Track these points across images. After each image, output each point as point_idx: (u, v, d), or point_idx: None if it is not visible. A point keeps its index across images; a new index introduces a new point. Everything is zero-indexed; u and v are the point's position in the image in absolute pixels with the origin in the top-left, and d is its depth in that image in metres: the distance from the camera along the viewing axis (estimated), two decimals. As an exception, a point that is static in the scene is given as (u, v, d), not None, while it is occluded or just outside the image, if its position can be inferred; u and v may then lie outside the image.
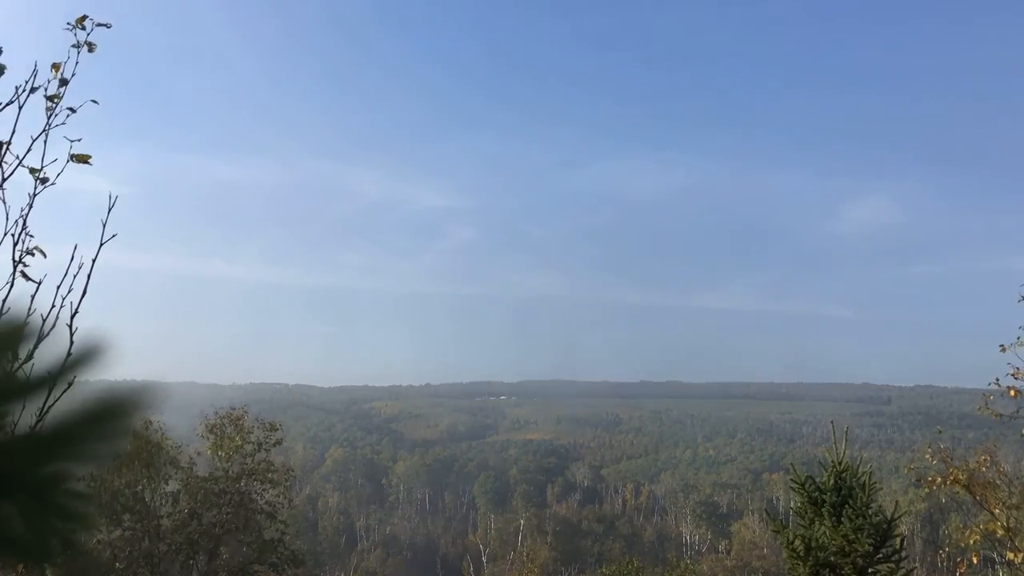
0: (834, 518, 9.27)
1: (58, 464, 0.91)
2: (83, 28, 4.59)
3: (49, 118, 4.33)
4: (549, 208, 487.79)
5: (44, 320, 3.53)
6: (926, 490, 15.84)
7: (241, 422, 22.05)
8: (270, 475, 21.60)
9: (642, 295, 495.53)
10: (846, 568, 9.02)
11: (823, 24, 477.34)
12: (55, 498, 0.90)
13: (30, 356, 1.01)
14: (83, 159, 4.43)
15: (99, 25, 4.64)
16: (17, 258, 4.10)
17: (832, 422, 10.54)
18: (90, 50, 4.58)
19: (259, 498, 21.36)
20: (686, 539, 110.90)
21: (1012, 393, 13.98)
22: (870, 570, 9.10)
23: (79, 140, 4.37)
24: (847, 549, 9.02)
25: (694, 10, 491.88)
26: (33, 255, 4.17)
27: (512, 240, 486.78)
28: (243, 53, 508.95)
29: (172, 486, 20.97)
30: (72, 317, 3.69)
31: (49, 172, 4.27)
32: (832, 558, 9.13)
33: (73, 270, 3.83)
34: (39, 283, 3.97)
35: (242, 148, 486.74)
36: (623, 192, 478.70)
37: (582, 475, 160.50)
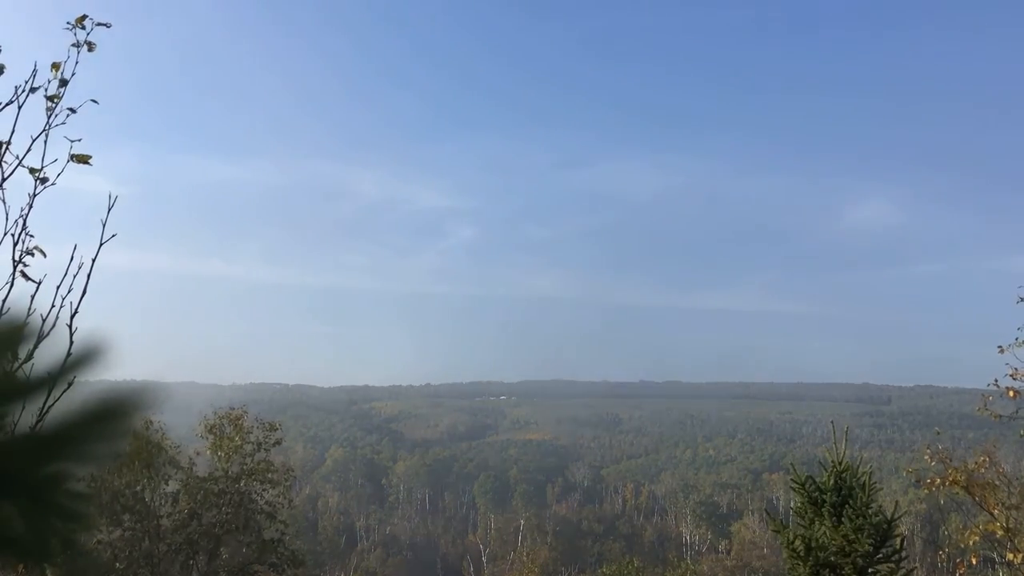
0: (834, 518, 9.27)
1: (58, 464, 0.91)
2: (83, 28, 4.59)
3: (49, 118, 4.33)
4: (549, 208, 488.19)
5: (44, 320, 3.53)
6: (926, 491, 15.83)
7: (241, 422, 22.04)
8: (270, 475, 21.59)
9: (642, 295, 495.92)
10: (846, 568, 9.02)
11: (823, 25, 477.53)
12: (55, 498, 0.90)
13: (30, 356, 1.01)
14: (83, 159, 4.44)
15: (99, 25, 4.64)
16: (17, 258, 4.10)
17: (832, 422, 10.54)
18: (90, 49, 4.58)
19: (259, 498, 21.34)
20: (686, 539, 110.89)
21: (1011, 394, 13.98)
22: (870, 570, 9.10)
23: (79, 140, 4.38)
24: (847, 549, 9.02)
25: (695, 12, 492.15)
26: (33, 255, 4.18)
27: (512, 240, 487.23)
28: (242, 53, 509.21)
29: (172, 486, 20.96)
30: (72, 317, 3.69)
31: (49, 172, 4.27)
32: (832, 558, 9.13)
33: (73, 270, 3.83)
34: (39, 283, 3.97)
35: (242, 148, 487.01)
36: (623, 192, 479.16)
37: (582, 475, 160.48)
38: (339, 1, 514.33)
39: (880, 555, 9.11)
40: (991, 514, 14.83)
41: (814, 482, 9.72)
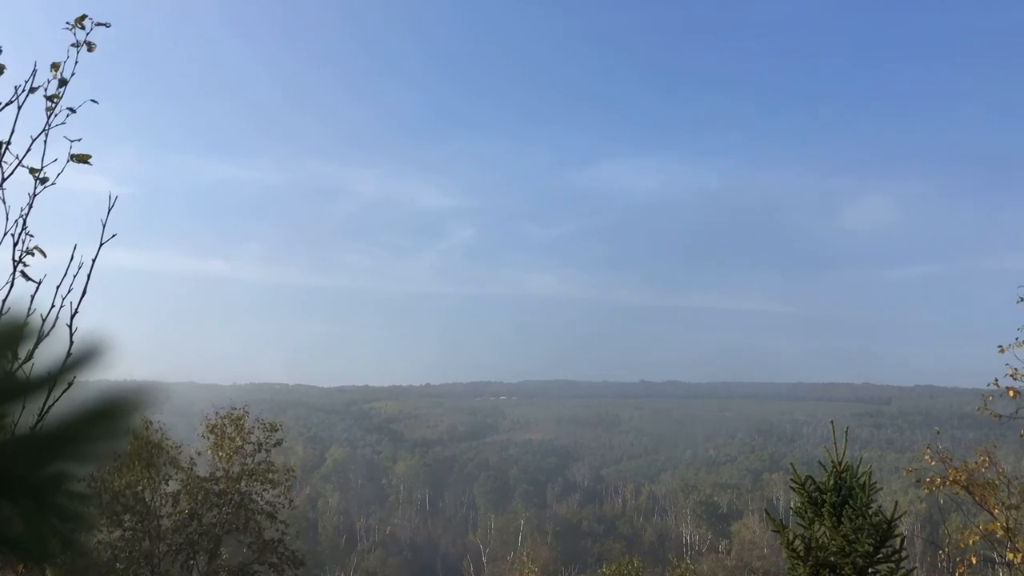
0: (834, 518, 9.27)
1: (58, 464, 0.91)
2: (82, 27, 4.59)
3: (49, 118, 4.33)
4: (550, 208, 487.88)
5: (44, 320, 3.53)
6: (926, 491, 15.84)
7: (241, 422, 22.04)
8: (270, 475, 21.58)
9: (643, 295, 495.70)
10: (846, 568, 9.02)
11: (824, 24, 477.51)
12: (55, 498, 0.90)
13: (30, 356, 1.01)
14: (83, 159, 4.44)
15: (99, 24, 4.64)
16: (17, 258, 4.10)
17: (832, 422, 10.54)
18: (89, 49, 4.58)
19: (259, 498, 21.34)
20: (686, 539, 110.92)
21: (1011, 394, 13.99)
22: (870, 570, 9.10)
23: (79, 140, 4.38)
24: (847, 549, 9.02)
25: (694, 10, 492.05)
26: (33, 255, 4.18)
27: (512, 240, 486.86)
28: (241, 52, 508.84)
29: (172, 486, 20.96)
30: (72, 317, 3.69)
31: (49, 172, 4.27)
32: (832, 558, 9.13)
33: (73, 270, 3.83)
34: (39, 283, 3.97)
35: (242, 148, 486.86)
36: (624, 192, 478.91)
37: (582, 475, 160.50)
38: (338, 1, 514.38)
39: (880, 555, 9.11)
40: (991, 514, 14.84)
41: (814, 482, 9.73)
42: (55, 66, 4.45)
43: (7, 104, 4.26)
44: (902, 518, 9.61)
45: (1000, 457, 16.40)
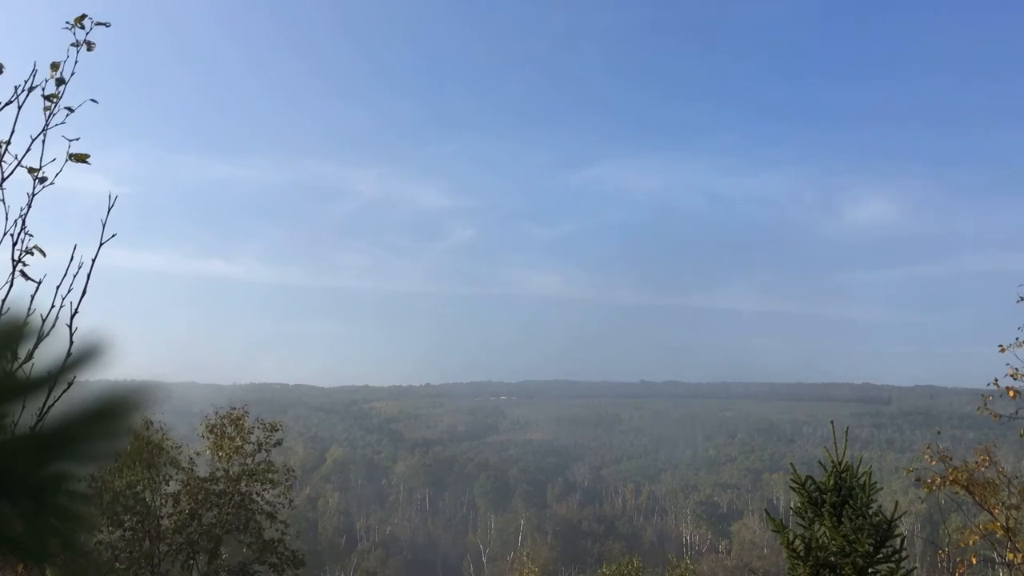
0: (834, 518, 9.27)
1: (58, 464, 0.91)
2: (82, 27, 4.59)
3: (48, 117, 4.33)
4: (550, 208, 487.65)
5: (44, 320, 3.53)
6: (926, 490, 15.84)
7: (242, 422, 22.03)
8: (270, 475, 21.58)
9: (643, 295, 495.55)
10: (846, 568, 9.02)
11: (824, 24, 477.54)
12: (55, 498, 0.90)
13: (30, 356, 1.01)
14: (82, 158, 4.44)
15: (98, 24, 4.64)
16: (16, 258, 4.10)
17: (832, 422, 10.54)
18: (89, 49, 4.58)
19: (259, 498, 21.34)
20: (686, 539, 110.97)
21: (1011, 394, 13.99)
22: (870, 570, 9.10)
23: (77, 139, 4.38)
24: (847, 549, 9.02)
25: (694, 11, 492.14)
26: (32, 254, 4.18)
27: (512, 240, 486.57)
28: (241, 52, 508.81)
29: (173, 487, 20.96)
30: (72, 317, 3.69)
31: (48, 172, 4.27)
32: (832, 558, 9.13)
33: (73, 270, 3.83)
34: (39, 283, 3.97)
35: (241, 147, 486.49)
36: (624, 192, 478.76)
37: (582, 475, 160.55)
38: (338, 1, 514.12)
39: (880, 555, 9.11)
40: (991, 514, 14.84)
41: (814, 482, 9.73)
42: (54, 66, 4.45)
43: (7, 104, 4.26)
44: (902, 518, 9.61)
45: (1000, 457, 16.40)
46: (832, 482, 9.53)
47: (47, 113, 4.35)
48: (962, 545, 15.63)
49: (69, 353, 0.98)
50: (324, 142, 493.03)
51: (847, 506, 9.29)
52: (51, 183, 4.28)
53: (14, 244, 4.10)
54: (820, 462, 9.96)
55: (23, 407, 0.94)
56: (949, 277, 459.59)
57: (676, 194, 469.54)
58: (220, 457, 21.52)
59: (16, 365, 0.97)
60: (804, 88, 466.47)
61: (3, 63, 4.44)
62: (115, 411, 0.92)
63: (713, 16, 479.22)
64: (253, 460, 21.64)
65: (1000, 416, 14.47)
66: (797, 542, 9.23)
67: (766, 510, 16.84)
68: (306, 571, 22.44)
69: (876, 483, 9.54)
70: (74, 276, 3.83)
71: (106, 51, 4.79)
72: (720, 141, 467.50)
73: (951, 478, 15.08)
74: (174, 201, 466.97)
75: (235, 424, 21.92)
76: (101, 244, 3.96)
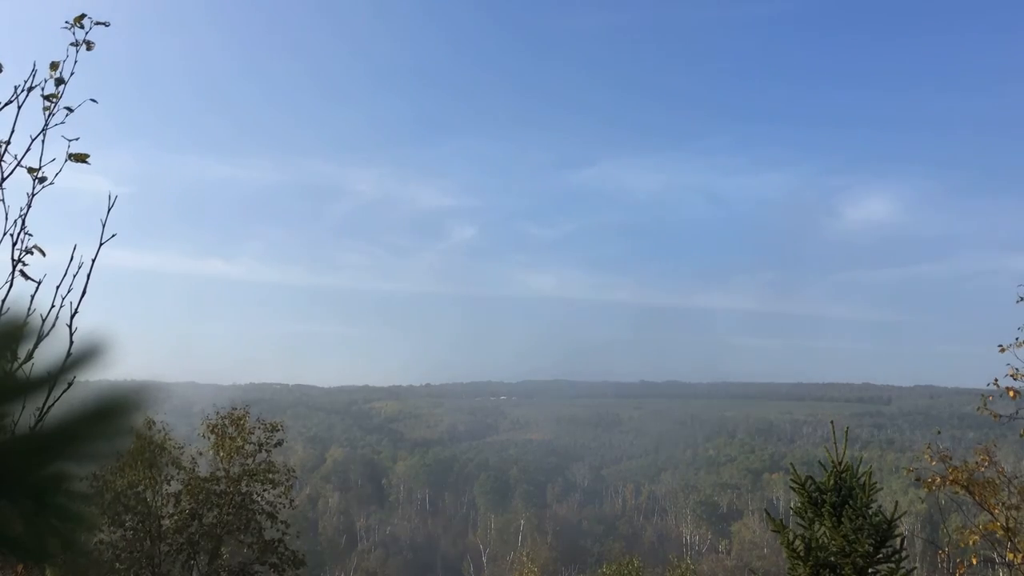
0: (834, 518, 9.28)
1: (58, 464, 0.90)
2: (81, 27, 4.59)
3: (47, 117, 4.33)
4: (550, 208, 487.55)
5: (44, 320, 3.53)
6: (926, 490, 15.84)
7: (243, 422, 22.03)
8: (271, 476, 21.59)
9: (643, 295, 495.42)
10: (846, 568, 9.02)
11: (824, 24, 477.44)
12: (55, 498, 0.90)
13: (30, 356, 1.01)
14: (81, 158, 4.44)
15: (98, 24, 4.64)
16: (16, 258, 4.10)
17: (832, 422, 10.55)
18: (88, 48, 4.58)
19: (260, 499, 21.35)
20: (686, 539, 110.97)
21: (1011, 394, 13.99)
22: (870, 570, 9.10)
23: (77, 139, 4.38)
24: (847, 549, 9.03)
25: (693, 10, 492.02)
26: (32, 254, 4.18)
27: (512, 240, 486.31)
28: (240, 52, 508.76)
29: (174, 487, 20.97)
30: (72, 317, 3.69)
31: (48, 172, 4.27)
32: (832, 558, 9.13)
33: (73, 270, 3.83)
34: (39, 283, 3.97)
35: (241, 148, 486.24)
36: (624, 192, 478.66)
37: (582, 475, 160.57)
38: (335, 2, 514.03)
39: (880, 555, 9.11)
40: (991, 514, 14.84)
41: (814, 482, 9.73)
42: (54, 65, 4.45)
43: (7, 104, 4.26)
44: (902, 518, 9.61)
45: (1000, 457, 16.39)
46: (832, 482, 9.53)
47: (47, 113, 4.35)
48: (962, 545, 15.63)
49: (69, 353, 0.98)
50: (324, 142, 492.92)
51: (847, 506, 9.29)
52: (51, 183, 4.29)
53: (14, 244, 4.10)
54: (820, 462, 9.96)
55: (23, 407, 0.94)
56: (949, 277, 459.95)
57: (676, 194, 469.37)
58: (221, 457, 21.52)
59: (16, 365, 0.97)
60: (804, 89, 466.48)
61: (3, 63, 4.44)
62: (115, 411, 0.92)
63: (713, 16, 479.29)
64: (254, 460, 21.64)
65: (1000, 416, 14.47)
66: (797, 542, 9.23)
67: (766, 510, 16.85)
68: (306, 571, 22.44)
69: (876, 483, 9.54)
70: (74, 276, 3.83)
71: (106, 51, 4.79)
72: (720, 141, 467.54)
73: (951, 478, 15.08)
74: (173, 201, 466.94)
75: (236, 424, 21.92)
76: (101, 244, 3.96)
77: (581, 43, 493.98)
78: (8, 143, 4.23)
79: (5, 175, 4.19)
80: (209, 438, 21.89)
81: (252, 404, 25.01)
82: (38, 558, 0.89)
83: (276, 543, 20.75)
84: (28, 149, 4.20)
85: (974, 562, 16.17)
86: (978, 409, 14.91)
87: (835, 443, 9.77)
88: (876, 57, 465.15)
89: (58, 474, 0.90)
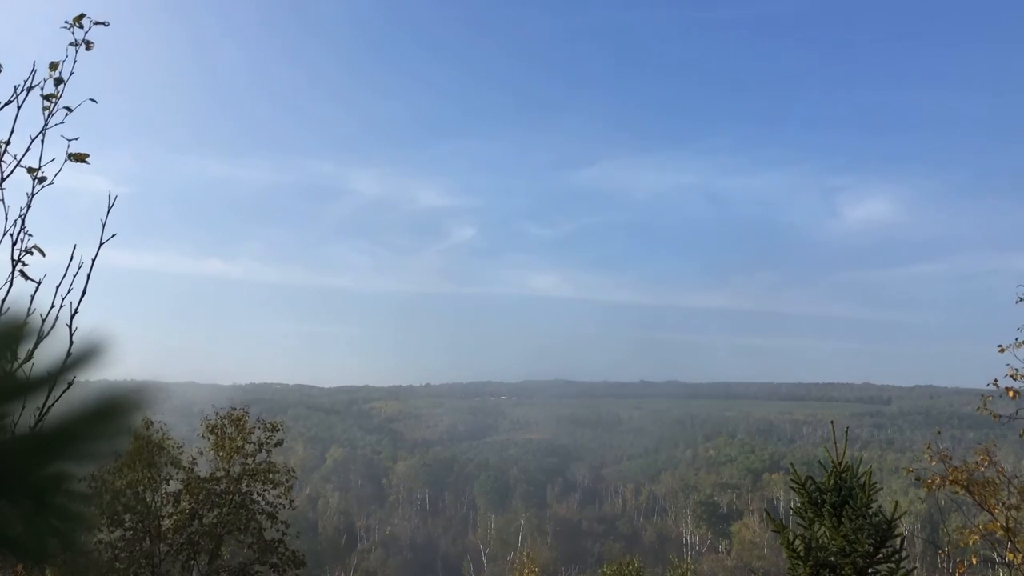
0: (834, 518, 9.28)
1: (58, 464, 0.90)
2: (81, 27, 4.59)
3: (47, 117, 4.33)
4: (550, 208, 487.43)
5: (44, 320, 3.53)
6: (926, 490, 15.85)
7: (242, 422, 22.03)
8: (271, 476, 21.59)
9: (642, 295, 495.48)
10: (846, 568, 9.03)
11: (824, 23, 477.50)
12: (55, 498, 0.90)
13: (30, 356, 1.00)
14: (81, 158, 4.44)
15: (97, 23, 4.64)
16: (16, 258, 4.10)
17: (832, 422, 10.55)
18: (88, 48, 4.58)
19: (260, 499, 21.35)
20: (686, 539, 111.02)
21: (1011, 394, 14.00)
22: (870, 570, 9.11)
23: (76, 139, 4.38)
24: (847, 549, 9.03)
25: (694, 10, 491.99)
26: (32, 254, 4.18)
27: (512, 240, 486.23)
28: (240, 51, 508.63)
29: (173, 486, 20.96)
30: (72, 317, 3.69)
31: (47, 171, 4.27)
32: (832, 558, 9.13)
33: (72, 270, 3.83)
34: (39, 283, 3.97)
35: (240, 147, 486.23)
36: (624, 192, 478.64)
37: (582, 475, 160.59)
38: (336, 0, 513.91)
39: (880, 555, 9.12)
40: (991, 514, 14.84)
41: (814, 482, 9.73)
42: (53, 65, 4.45)
43: (6, 104, 4.26)
44: (902, 518, 9.62)
45: (1000, 457, 16.40)
46: (832, 482, 9.53)
47: (46, 113, 4.35)
48: (962, 545, 15.63)
49: (69, 353, 0.98)
50: (324, 142, 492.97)
51: (847, 506, 9.29)
52: (50, 183, 4.29)
53: (14, 244, 4.10)
54: (820, 462, 9.96)
55: (23, 407, 0.94)
56: (949, 277, 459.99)
57: (676, 194, 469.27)
58: (221, 457, 21.52)
59: (16, 365, 0.97)
60: (804, 89, 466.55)
61: (3, 63, 4.44)
62: (115, 411, 0.92)
63: (714, 16, 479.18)
64: (254, 460, 21.64)
65: (1000, 416, 14.47)
66: (797, 542, 9.23)
67: (766, 510, 16.88)
68: (306, 571, 22.43)
69: (876, 483, 9.54)
70: (74, 276, 3.83)
71: (105, 51, 4.80)
72: (720, 141, 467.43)
73: (951, 478, 15.09)
74: (173, 201, 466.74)
75: (236, 424, 21.92)
76: (101, 244, 3.96)
77: (581, 43, 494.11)
78: (8, 143, 4.23)
79: (5, 175, 4.19)
80: (209, 438, 21.89)
81: (252, 404, 25.02)
82: (38, 558, 0.89)
83: (276, 543, 20.75)
84: (28, 149, 4.20)
85: (974, 562, 16.18)
86: (978, 409, 14.91)
87: (835, 443, 9.77)
88: (876, 57, 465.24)
89: (58, 474, 0.90)
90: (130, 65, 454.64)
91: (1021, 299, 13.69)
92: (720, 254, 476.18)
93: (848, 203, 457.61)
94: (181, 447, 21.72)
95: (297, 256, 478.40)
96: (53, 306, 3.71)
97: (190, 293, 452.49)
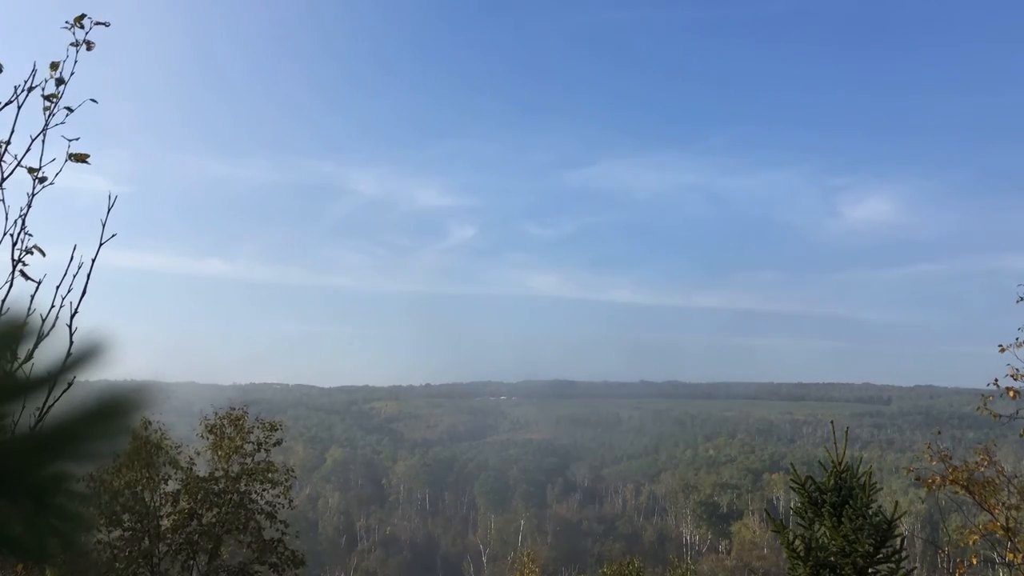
0: (834, 518, 9.28)
1: (58, 464, 0.90)
2: (81, 27, 4.59)
3: (47, 117, 4.33)
4: (550, 208, 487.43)
5: (44, 320, 3.53)
6: (926, 490, 15.85)
7: (241, 422, 22.03)
8: (270, 475, 21.59)
9: (642, 295, 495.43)
10: (846, 568, 9.02)
11: (824, 23, 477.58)
12: (55, 498, 0.90)
13: (30, 356, 1.00)
14: (81, 158, 4.44)
15: (98, 24, 4.64)
16: (16, 258, 4.10)
17: (832, 422, 10.55)
18: (88, 48, 4.58)
19: (259, 498, 21.34)
20: (686, 539, 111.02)
21: (1011, 394, 13.99)
22: (870, 570, 9.11)
23: (77, 139, 4.38)
24: (847, 549, 9.03)
25: (694, 9, 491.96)
26: (32, 254, 4.18)
27: (512, 240, 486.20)
28: (239, 51, 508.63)
29: (172, 486, 20.95)
30: (72, 317, 3.69)
31: (48, 171, 4.27)
32: (832, 558, 9.13)
33: (73, 270, 3.83)
34: (39, 283, 3.97)
35: (240, 147, 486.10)
36: (624, 192, 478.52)
37: (582, 475, 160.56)
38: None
39: (880, 555, 9.12)
40: (991, 514, 14.84)
41: (814, 482, 9.73)
42: (54, 65, 4.45)
43: (7, 104, 4.26)
44: (902, 518, 9.62)
45: (1000, 457, 16.40)
46: (832, 482, 9.53)
47: (47, 113, 4.35)
48: (962, 545, 15.63)
49: (69, 353, 0.98)
50: (323, 142, 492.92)
51: (847, 506, 9.29)
52: (51, 183, 4.29)
53: (14, 244, 4.10)
54: (820, 462, 9.96)
55: (23, 407, 0.94)
56: (949, 277, 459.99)
57: (676, 194, 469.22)
58: (219, 456, 21.52)
59: (16, 365, 0.97)
60: (804, 89, 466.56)
61: (3, 63, 4.44)
62: (115, 411, 0.92)
63: (714, 16, 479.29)
64: (252, 460, 21.64)
65: (1000, 416, 14.47)
66: (797, 542, 9.23)
67: (766, 510, 16.88)
68: (306, 571, 22.43)
69: (876, 483, 9.54)
70: (74, 276, 3.83)
71: (106, 51, 4.79)
72: (720, 141, 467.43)
73: (951, 478, 15.09)
74: (173, 201, 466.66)
75: (234, 424, 21.92)
76: (101, 244, 3.96)
77: (580, 42, 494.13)
78: (8, 143, 4.23)
79: (5, 175, 4.19)
80: (207, 438, 21.89)
81: (252, 404, 25.00)
82: (38, 558, 0.89)
83: (275, 543, 20.75)
84: (28, 149, 4.20)
85: (974, 562, 16.18)
86: (978, 409, 14.91)
87: (835, 443, 9.77)
88: (876, 58, 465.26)
89: (58, 474, 0.90)
90: (131, 65, 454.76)
91: (1021, 299, 13.69)
92: (720, 254, 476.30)
93: (848, 203, 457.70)
94: (179, 447, 21.71)
95: (297, 256, 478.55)
96: (53, 306, 3.71)
97: (190, 293, 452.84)
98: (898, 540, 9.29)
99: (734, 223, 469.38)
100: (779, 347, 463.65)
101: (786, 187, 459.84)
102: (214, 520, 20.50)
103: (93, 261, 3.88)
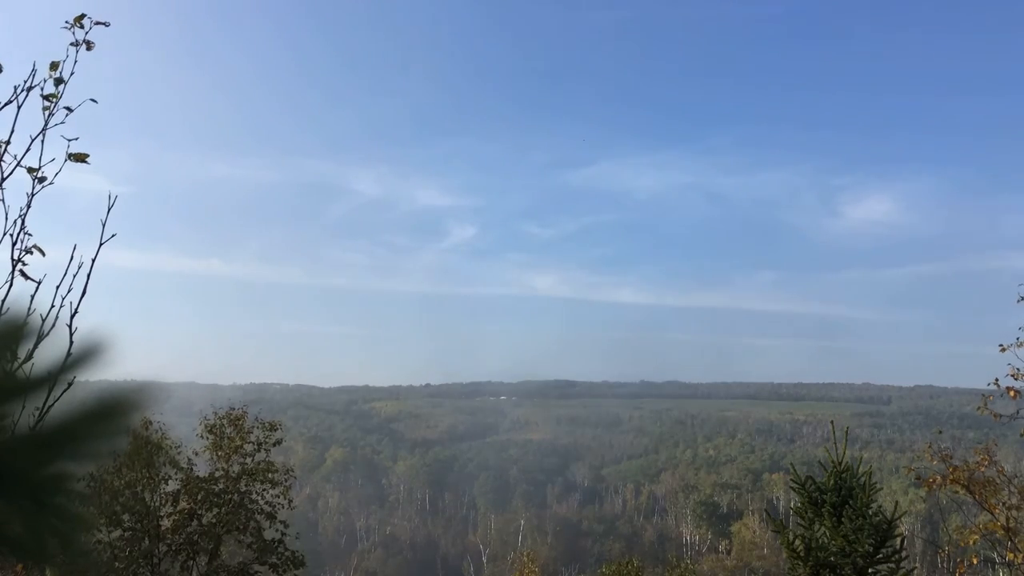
0: (834, 518, 9.28)
1: (58, 464, 0.90)
2: (81, 27, 4.59)
3: (47, 117, 4.33)
4: (550, 208, 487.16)
5: (44, 320, 3.52)
6: (926, 490, 15.85)
7: (240, 422, 22.03)
8: (270, 475, 21.59)
9: (643, 295, 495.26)
10: (846, 568, 9.03)
11: (824, 23, 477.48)
12: (55, 498, 0.90)
13: (30, 356, 1.00)
14: (81, 158, 4.44)
15: (98, 23, 4.64)
16: (16, 258, 4.10)
17: (832, 422, 10.55)
18: (88, 48, 4.58)
19: (259, 498, 21.35)
20: (686, 539, 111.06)
21: (1011, 394, 13.99)
22: (870, 570, 9.11)
23: (76, 139, 4.38)
24: (847, 549, 9.03)
25: (695, 8, 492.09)
26: (32, 254, 4.18)
27: (512, 240, 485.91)
28: (239, 51, 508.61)
29: (172, 486, 20.96)
30: (72, 317, 3.68)
31: (47, 171, 4.27)
32: (832, 558, 9.13)
33: (72, 270, 3.83)
34: (38, 283, 3.97)
35: (239, 147, 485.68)
36: (624, 192, 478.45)
37: (582, 475, 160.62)
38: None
39: (880, 555, 9.12)
40: (991, 514, 14.84)
41: (814, 482, 9.74)
42: (54, 65, 4.45)
43: (6, 104, 4.26)
44: (902, 518, 9.62)
45: (1000, 457, 16.39)
46: (832, 482, 9.53)
47: (46, 113, 4.35)
48: (962, 545, 15.63)
49: (69, 353, 0.98)
50: (323, 141, 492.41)
51: (847, 506, 9.29)
52: (50, 183, 4.29)
53: (14, 244, 4.10)
54: (820, 462, 9.96)
55: (23, 407, 0.94)
56: (949, 277, 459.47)
57: (676, 194, 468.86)
58: (219, 456, 21.52)
59: (16, 365, 0.97)
60: (804, 89, 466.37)
61: (3, 63, 4.44)
62: (115, 411, 0.92)
63: (714, 16, 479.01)
64: (252, 460, 21.64)
65: (1000, 416, 14.47)
66: (797, 542, 9.23)
67: (766, 510, 16.88)
68: (306, 571, 22.43)
69: (876, 483, 9.54)
70: (74, 276, 3.83)
71: (106, 51, 4.79)
72: (720, 141, 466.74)
73: (951, 478, 15.08)
74: (173, 201, 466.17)
75: (234, 424, 21.93)
76: (101, 244, 3.96)
77: (580, 42, 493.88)
78: (8, 143, 4.23)
79: (5, 175, 4.19)
80: (207, 438, 21.89)
81: (252, 404, 25.01)
82: (38, 558, 0.89)
83: (275, 543, 20.76)
84: (28, 149, 4.20)
85: (974, 562, 16.18)
86: (978, 409, 14.91)
87: (835, 443, 9.77)
88: (876, 57, 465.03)
89: (58, 474, 0.90)
90: (130, 65, 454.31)
91: (1021, 299, 13.69)
92: (720, 254, 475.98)
93: (848, 203, 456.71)
94: (179, 447, 21.71)
95: (297, 256, 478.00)
96: (53, 306, 3.71)
97: (190, 293, 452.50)
98: (898, 540, 9.30)
99: (734, 223, 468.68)
100: (779, 347, 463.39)
101: (786, 187, 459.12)
102: (214, 520, 20.50)
103: (93, 261, 3.88)
